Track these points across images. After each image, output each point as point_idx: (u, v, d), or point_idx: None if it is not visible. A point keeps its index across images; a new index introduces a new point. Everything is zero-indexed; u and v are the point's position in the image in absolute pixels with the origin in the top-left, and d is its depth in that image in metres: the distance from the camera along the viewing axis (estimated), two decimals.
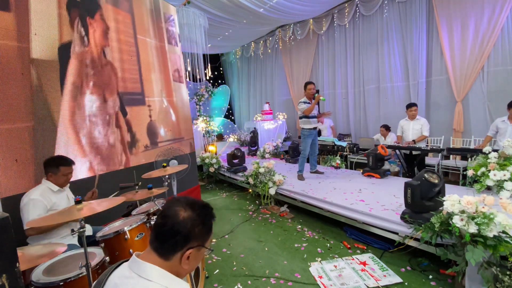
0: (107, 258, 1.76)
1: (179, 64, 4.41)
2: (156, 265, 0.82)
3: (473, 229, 1.82)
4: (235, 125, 10.87)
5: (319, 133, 6.54)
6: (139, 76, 3.57)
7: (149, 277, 0.79)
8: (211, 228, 0.91)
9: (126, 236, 1.87)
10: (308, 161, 4.76)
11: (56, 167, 2.08)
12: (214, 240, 3.30)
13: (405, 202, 2.53)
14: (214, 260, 2.85)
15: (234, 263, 2.76)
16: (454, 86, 5.11)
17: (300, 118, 4.42)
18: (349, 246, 2.93)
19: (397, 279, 2.30)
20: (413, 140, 4.34)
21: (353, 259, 2.68)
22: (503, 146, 3.13)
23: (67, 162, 2.14)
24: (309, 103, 4.31)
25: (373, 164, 4.27)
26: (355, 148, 5.73)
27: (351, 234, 3.15)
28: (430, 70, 5.52)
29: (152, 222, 2.04)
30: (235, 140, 8.86)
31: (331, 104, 7.49)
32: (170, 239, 0.83)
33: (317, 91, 4.27)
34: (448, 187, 3.42)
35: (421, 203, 2.40)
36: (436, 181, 2.43)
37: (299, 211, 3.98)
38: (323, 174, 4.69)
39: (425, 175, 2.46)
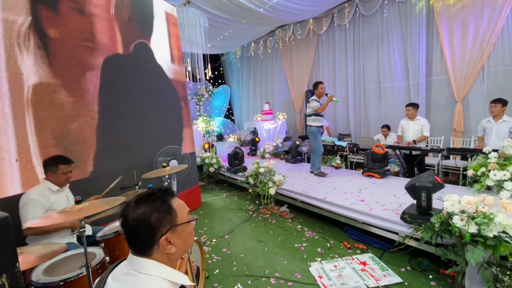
0: (107, 258, 1.76)
1: None
2: (151, 260, 0.83)
3: (473, 229, 1.82)
4: (235, 125, 10.88)
5: None
6: None
7: (148, 272, 0.81)
8: (169, 207, 0.87)
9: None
10: (309, 161, 4.80)
11: (55, 165, 2.08)
12: (214, 240, 3.30)
13: (417, 206, 2.42)
14: (214, 260, 2.84)
15: (234, 263, 2.76)
16: (454, 86, 5.11)
17: (309, 115, 4.51)
18: (349, 246, 2.93)
19: (397, 279, 2.30)
20: (414, 141, 4.34)
21: (353, 259, 2.67)
22: (503, 146, 3.13)
23: (66, 161, 2.14)
24: (319, 101, 4.43)
25: (369, 164, 4.28)
26: (355, 148, 5.73)
27: (351, 234, 3.15)
28: (430, 70, 5.52)
29: None
30: (235, 140, 8.87)
31: (331, 104, 7.49)
32: (138, 241, 0.84)
33: (326, 94, 4.44)
34: (448, 187, 3.42)
35: (431, 205, 2.36)
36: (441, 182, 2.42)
37: (299, 211, 3.98)
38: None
39: (433, 177, 2.41)
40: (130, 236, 0.84)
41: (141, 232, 0.83)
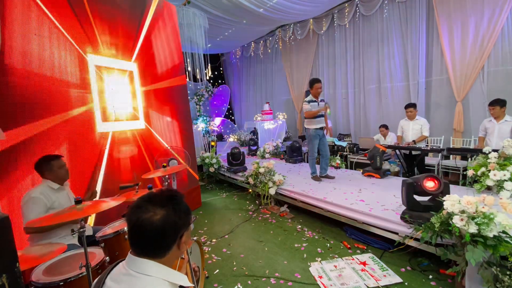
0: (107, 258, 1.76)
1: None
2: (152, 260, 0.84)
3: (473, 229, 1.82)
4: (235, 125, 10.88)
5: None
6: None
7: (147, 272, 0.81)
8: (188, 208, 0.92)
9: (126, 236, 1.87)
10: (318, 163, 4.49)
11: (48, 164, 2.09)
12: (214, 240, 3.30)
13: (401, 199, 2.59)
14: (214, 260, 2.84)
15: (234, 263, 2.76)
16: (454, 86, 5.11)
17: (305, 118, 4.18)
18: (349, 246, 2.93)
19: (397, 279, 2.30)
20: (413, 141, 4.34)
21: (353, 259, 2.67)
22: (503, 146, 3.13)
23: (53, 156, 2.14)
24: (315, 101, 4.06)
25: (380, 165, 4.19)
26: (355, 148, 5.73)
27: (351, 234, 3.15)
28: (430, 70, 5.52)
29: None
30: (235, 140, 8.86)
31: (331, 104, 7.49)
32: (162, 244, 0.84)
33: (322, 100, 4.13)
34: None
35: (415, 201, 2.43)
36: (433, 189, 2.39)
37: (299, 211, 3.98)
38: (333, 178, 4.27)
39: (424, 183, 2.41)
40: (150, 239, 0.82)
41: (168, 234, 0.84)
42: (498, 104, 3.67)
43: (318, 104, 4.09)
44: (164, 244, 0.84)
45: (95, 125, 2.97)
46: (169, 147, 3.95)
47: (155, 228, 0.81)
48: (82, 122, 2.83)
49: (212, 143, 6.43)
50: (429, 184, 2.40)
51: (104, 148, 3.05)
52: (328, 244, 3.01)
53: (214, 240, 3.30)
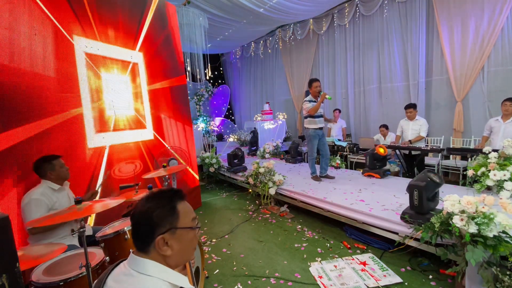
0: (107, 258, 1.76)
1: None
2: (153, 260, 0.83)
3: (473, 229, 1.82)
4: (235, 125, 10.87)
5: (329, 132, 6.51)
6: None
7: (148, 273, 0.80)
8: (173, 209, 0.88)
9: (126, 236, 1.87)
10: (317, 163, 4.49)
11: (49, 163, 2.09)
12: (214, 240, 3.30)
13: (410, 204, 2.46)
14: (214, 260, 2.84)
15: (234, 263, 2.76)
16: (454, 86, 5.11)
17: (305, 117, 4.19)
18: (349, 246, 2.93)
19: (397, 279, 2.30)
20: (409, 140, 4.33)
21: (353, 259, 2.67)
22: (503, 146, 3.13)
23: (54, 156, 2.15)
24: (314, 101, 4.10)
25: (370, 164, 4.25)
26: (355, 148, 5.73)
27: (351, 234, 3.15)
28: (430, 70, 5.52)
29: None
30: (235, 140, 8.87)
31: (331, 104, 7.49)
32: (139, 233, 0.86)
33: (319, 92, 4.12)
34: (448, 187, 3.42)
35: (427, 204, 2.37)
36: (438, 180, 2.43)
37: (299, 211, 3.98)
38: (333, 178, 4.29)
39: (429, 175, 2.43)
40: (133, 229, 0.87)
41: (142, 226, 0.85)
42: None
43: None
44: (140, 237, 0.85)
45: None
46: (169, 147, 3.96)
47: (135, 219, 0.86)
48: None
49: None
50: None
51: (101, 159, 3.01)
52: (328, 244, 3.01)
53: (214, 240, 3.30)
